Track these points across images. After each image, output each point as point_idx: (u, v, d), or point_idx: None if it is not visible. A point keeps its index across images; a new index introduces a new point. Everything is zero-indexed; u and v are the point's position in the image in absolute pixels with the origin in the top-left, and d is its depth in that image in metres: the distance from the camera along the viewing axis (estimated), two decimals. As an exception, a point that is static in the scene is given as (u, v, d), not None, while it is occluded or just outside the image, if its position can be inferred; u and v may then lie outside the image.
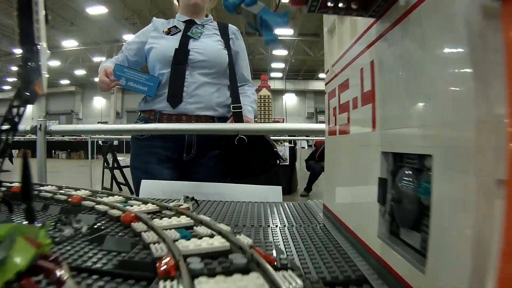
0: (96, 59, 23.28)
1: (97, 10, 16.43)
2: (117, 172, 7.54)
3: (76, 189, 1.19)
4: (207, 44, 1.95)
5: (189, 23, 2.01)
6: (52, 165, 8.18)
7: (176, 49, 1.89)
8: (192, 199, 1.12)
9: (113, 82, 1.85)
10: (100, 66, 1.97)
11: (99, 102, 35.76)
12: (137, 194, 1.86)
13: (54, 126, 1.75)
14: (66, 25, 18.46)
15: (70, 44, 21.88)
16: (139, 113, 2.04)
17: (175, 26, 2.00)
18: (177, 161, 1.95)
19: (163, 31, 1.99)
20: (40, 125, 1.70)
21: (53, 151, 19.71)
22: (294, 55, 23.51)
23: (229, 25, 2.11)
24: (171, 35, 1.97)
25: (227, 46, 2.00)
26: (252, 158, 1.84)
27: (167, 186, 1.58)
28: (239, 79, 2.02)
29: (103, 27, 17.85)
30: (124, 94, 31.75)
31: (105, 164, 7.69)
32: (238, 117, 1.89)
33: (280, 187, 1.49)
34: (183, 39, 1.93)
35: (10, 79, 33.04)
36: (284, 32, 19.09)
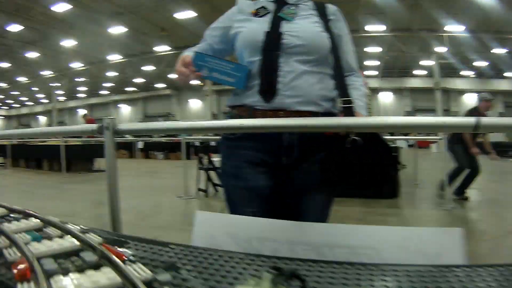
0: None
1: (185, 15, 16.89)
2: (212, 174, 7.58)
3: None
4: (304, 26, 1.61)
5: (280, 3, 1.67)
6: (149, 166, 8.61)
7: (266, 32, 1.58)
8: (293, 275, 0.67)
9: (192, 73, 1.57)
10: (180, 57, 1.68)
11: (195, 104, 37.10)
12: (230, 204, 1.67)
13: (122, 125, 1.62)
14: (157, 31, 19.20)
15: (162, 48, 22.77)
16: (230, 108, 1.73)
17: (263, 7, 1.68)
18: (274, 165, 1.61)
19: (250, 12, 1.69)
20: (108, 124, 1.59)
21: (149, 151, 20.34)
22: (388, 51, 22.64)
23: (328, 5, 1.75)
24: (260, 16, 1.66)
25: (327, 28, 1.64)
26: (366, 164, 1.46)
27: (241, 226, 1.00)
28: (344, 68, 1.66)
29: (193, 30, 18.27)
30: (220, 95, 32.59)
31: (200, 165, 7.72)
32: (349, 114, 1.54)
33: (459, 230, 0.88)
34: (274, 20, 1.61)
35: (107, 84, 35.19)
36: (376, 28, 18.47)
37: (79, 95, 42.92)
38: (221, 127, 1.60)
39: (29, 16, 17.97)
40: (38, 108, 49.86)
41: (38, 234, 0.82)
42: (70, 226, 0.86)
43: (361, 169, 1.47)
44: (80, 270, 0.65)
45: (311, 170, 1.54)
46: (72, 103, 45.14)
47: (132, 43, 21.24)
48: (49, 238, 0.82)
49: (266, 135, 1.58)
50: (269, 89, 1.55)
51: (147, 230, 5.17)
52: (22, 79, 34.37)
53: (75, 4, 16.32)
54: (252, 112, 1.57)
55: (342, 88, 1.60)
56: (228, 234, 0.96)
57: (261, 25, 1.61)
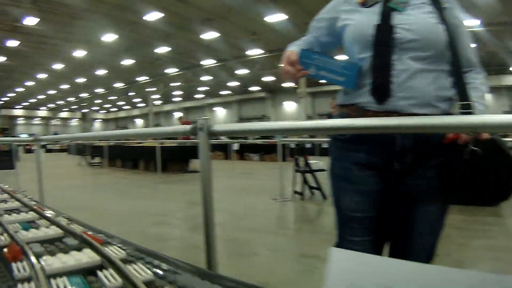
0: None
1: (276, 18, 16.90)
2: (309, 176, 7.46)
3: None
4: (417, 18, 1.43)
5: None
6: (244, 167, 8.79)
7: (376, 25, 1.43)
8: None
9: (299, 72, 1.46)
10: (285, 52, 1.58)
11: (289, 107, 37.20)
12: (337, 207, 1.57)
13: (217, 126, 1.58)
14: (248, 35, 19.44)
15: (255, 52, 23.03)
16: (339, 107, 1.59)
17: None
18: (385, 170, 1.48)
19: (357, 2, 1.53)
20: (202, 125, 1.55)
21: (244, 153, 20.58)
22: (483, 47, 21.21)
23: None
24: (367, 7, 1.49)
25: (443, 19, 1.44)
26: (487, 176, 1.28)
27: (398, 274, 0.55)
28: (462, 63, 1.46)
29: (284, 33, 18.24)
30: (315, 97, 32.45)
31: (297, 167, 7.60)
32: None
33: None
34: (384, 11, 1.44)
35: (201, 88, 36.23)
36: (470, 23, 17.39)
37: (174, 99, 44.67)
38: (329, 127, 1.45)
39: (123, 26, 19.00)
40: (135, 112, 52.70)
41: (29, 225, 0.93)
42: (58, 219, 1.00)
43: (482, 182, 1.29)
44: (65, 251, 0.79)
45: (426, 175, 1.41)
46: (167, 107, 47.16)
47: (224, 48, 21.58)
48: (38, 227, 0.96)
49: (377, 138, 1.44)
50: (381, 90, 1.41)
51: (240, 232, 5.18)
52: (119, 84, 36.39)
53: (167, 12, 16.89)
54: (362, 113, 1.45)
55: (461, 88, 1.43)
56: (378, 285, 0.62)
57: (370, 17, 1.46)
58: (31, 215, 1.15)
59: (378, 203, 1.49)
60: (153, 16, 17.28)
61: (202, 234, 1.58)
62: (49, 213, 1.08)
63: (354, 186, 1.47)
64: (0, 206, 1.33)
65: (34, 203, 1.31)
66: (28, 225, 0.97)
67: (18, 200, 1.45)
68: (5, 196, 1.61)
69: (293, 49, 1.57)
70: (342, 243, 1.55)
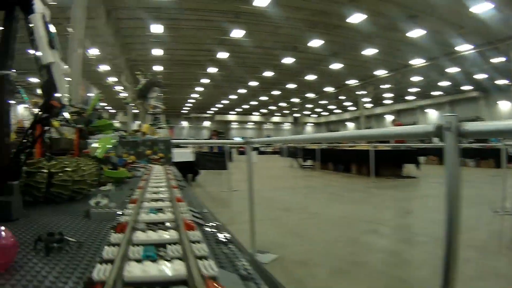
0: (495, 60, 22.05)
1: (483, 8, 15.11)
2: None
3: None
4: None
5: None
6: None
7: None
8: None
9: None
10: None
11: (505, 106, 33.41)
12: None
13: (470, 124, 1.24)
14: (456, 29, 17.89)
15: (464, 48, 21.14)
16: None
17: None
18: None
19: None
20: (449, 123, 1.24)
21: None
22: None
23: None
24: None
25: None
26: None
27: None
28: None
29: (493, 24, 16.32)
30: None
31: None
32: None
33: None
34: None
35: (412, 89, 34.87)
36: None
37: (385, 101, 43.79)
38: None
39: (327, 31, 19.24)
40: (346, 115, 53.21)
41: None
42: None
43: None
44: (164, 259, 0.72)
45: None
46: (378, 110, 46.46)
47: (432, 45, 20.27)
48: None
49: None
50: None
51: (462, 250, 4.51)
52: (329, 89, 37.01)
53: (370, 13, 16.64)
54: None
55: None
56: None
57: None
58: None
59: None
60: (356, 18, 17.16)
61: (417, 248, 1.27)
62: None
63: None
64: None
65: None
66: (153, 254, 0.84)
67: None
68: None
69: None
70: None
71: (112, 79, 26.73)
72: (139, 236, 0.84)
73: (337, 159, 15.97)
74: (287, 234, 5.39)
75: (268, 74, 29.42)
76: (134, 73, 20.21)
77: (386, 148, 13.57)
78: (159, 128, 9.19)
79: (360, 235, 5.22)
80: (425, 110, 42.43)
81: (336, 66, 26.47)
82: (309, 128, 61.05)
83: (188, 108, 52.22)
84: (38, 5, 1.40)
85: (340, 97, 38.87)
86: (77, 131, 2.63)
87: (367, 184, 11.12)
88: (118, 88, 29.34)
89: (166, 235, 0.85)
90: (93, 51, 20.19)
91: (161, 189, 1.57)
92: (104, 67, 24.15)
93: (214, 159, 12.28)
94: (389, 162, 13.16)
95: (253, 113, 57.94)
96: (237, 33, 19.54)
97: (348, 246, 4.68)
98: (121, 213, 1.18)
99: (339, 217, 6.49)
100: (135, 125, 20.46)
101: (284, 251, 4.43)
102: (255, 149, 25.90)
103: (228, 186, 9.39)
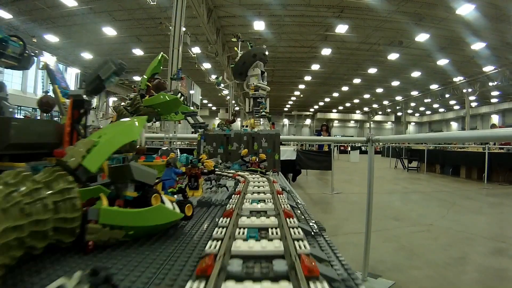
0: None
1: None
2: None
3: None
4: None
5: None
6: None
7: None
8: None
9: None
10: None
11: None
12: None
13: None
14: None
15: None
16: None
17: None
18: None
19: None
20: None
21: None
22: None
23: None
24: None
25: None
26: None
27: None
28: None
29: None
30: None
31: None
32: None
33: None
34: None
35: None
36: None
37: (492, 100, 40.87)
38: None
39: (434, 24, 18.19)
40: (450, 115, 50.43)
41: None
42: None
43: None
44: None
45: None
46: (483, 109, 43.52)
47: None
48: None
49: None
50: None
51: None
52: (434, 86, 35.23)
53: (480, 4, 15.50)
54: None
55: None
56: None
57: None
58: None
59: None
60: (465, 9, 16.05)
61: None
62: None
63: None
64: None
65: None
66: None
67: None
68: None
69: None
70: None
71: (214, 77, 27.38)
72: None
73: (445, 161, 14.91)
74: (400, 251, 4.73)
75: (372, 70, 28.68)
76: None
77: (500, 151, 12.39)
78: (262, 116, 7.32)
79: (486, 257, 4.48)
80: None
81: (442, 62, 25.21)
82: (411, 127, 58.58)
83: (289, 106, 52.32)
84: None
85: (445, 95, 36.81)
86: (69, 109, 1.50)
87: (480, 190, 10.18)
88: (221, 86, 30.08)
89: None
90: (195, 50, 20.72)
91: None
92: (206, 65, 24.77)
93: (318, 158, 11.61)
94: (504, 166, 11.92)
95: (356, 111, 56.84)
96: (341, 29, 19.12)
97: (475, 272, 3.96)
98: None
99: (457, 231, 5.74)
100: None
101: (400, 276, 3.77)
102: (357, 148, 25.16)
103: (331, 187, 9.01)
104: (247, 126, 6.71)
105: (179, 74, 4.15)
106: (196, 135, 4.21)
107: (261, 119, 7.25)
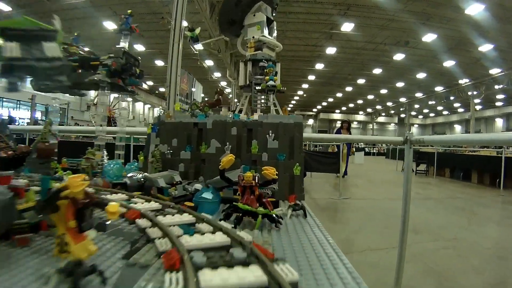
0: None
1: None
2: None
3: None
4: None
5: None
6: None
7: None
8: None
9: None
10: None
11: None
12: None
13: None
14: None
15: None
16: None
17: None
18: None
19: None
20: None
21: None
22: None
23: None
24: None
25: None
26: None
27: None
28: None
29: None
30: None
31: None
32: None
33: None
34: None
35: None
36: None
37: (497, 103, 40.50)
38: None
39: (442, 24, 17.88)
40: (453, 118, 50.22)
41: (191, 228, 0.90)
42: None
43: None
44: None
45: None
46: (488, 112, 43.24)
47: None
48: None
49: None
50: None
51: None
52: (439, 88, 34.87)
53: (489, 4, 15.18)
54: None
55: None
56: None
57: None
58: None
59: None
60: (474, 9, 15.73)
61: None
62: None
63: None
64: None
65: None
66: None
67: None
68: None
69: None
70: None
71: (217, 74, 26.94)
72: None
73: (455, 165, 14.38)
74: (427, 275, 3.99)
75: (377, 71, 28.38)
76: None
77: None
78: (270, 91, 4.51)
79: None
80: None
81: (448, 63, 24.87)
82: (414, 129, 58.15)
83: (292, 106, 51.89)
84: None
85: (450, 97, 36.40)
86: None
87: (497, 197, 9.66)
88: (223, 83, 29.59)
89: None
90: (198, 46, 20.22)
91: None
92: (209, 62, 24.33)
93: (325, 160, 11.02)
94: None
95: (359, 112, 56.50)
96: (347, 27, 18.79)
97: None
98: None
99: (485, 248, 5.10)
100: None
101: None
102: (361, 149, 24.67)
103: (338, 192, 8.47)
104: (240, 112, 4.76)
105: (128, 22, 2.27)
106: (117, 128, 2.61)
107: (269, 95, 4.71)
